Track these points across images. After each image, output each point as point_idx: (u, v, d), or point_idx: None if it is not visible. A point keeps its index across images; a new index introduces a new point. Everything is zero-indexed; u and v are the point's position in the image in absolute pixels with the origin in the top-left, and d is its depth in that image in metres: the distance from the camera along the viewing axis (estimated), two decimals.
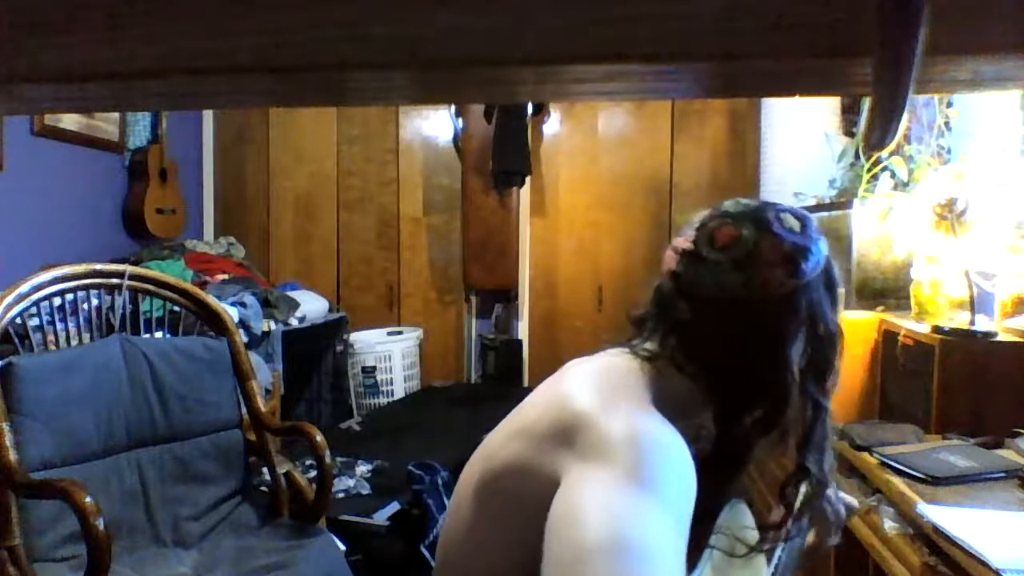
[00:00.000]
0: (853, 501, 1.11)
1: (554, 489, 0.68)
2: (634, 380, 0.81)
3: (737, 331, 0.83)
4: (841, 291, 0.90)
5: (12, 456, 1.54)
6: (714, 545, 0.84)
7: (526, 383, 3.78)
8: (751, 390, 0.84)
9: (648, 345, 0.86)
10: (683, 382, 0.83)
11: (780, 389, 0.82)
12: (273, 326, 3.00)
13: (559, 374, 0.86)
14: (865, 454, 1.51)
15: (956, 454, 1.40)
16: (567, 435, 0.72)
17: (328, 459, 1.87)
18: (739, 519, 0.92)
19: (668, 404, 0.79)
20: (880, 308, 1.96)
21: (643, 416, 0.74)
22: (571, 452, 0.70)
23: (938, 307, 1.77)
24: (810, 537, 1.08)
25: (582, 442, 0.70)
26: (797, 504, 0.89)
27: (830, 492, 1.08)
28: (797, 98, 2.30)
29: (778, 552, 0.97)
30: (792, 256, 0.81)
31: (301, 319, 3.23)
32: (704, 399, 0.84)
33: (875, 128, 0.33)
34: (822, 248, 0.84)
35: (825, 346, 0.85)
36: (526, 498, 0.70)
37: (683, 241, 0.86)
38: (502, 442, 0.82)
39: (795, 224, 0.83)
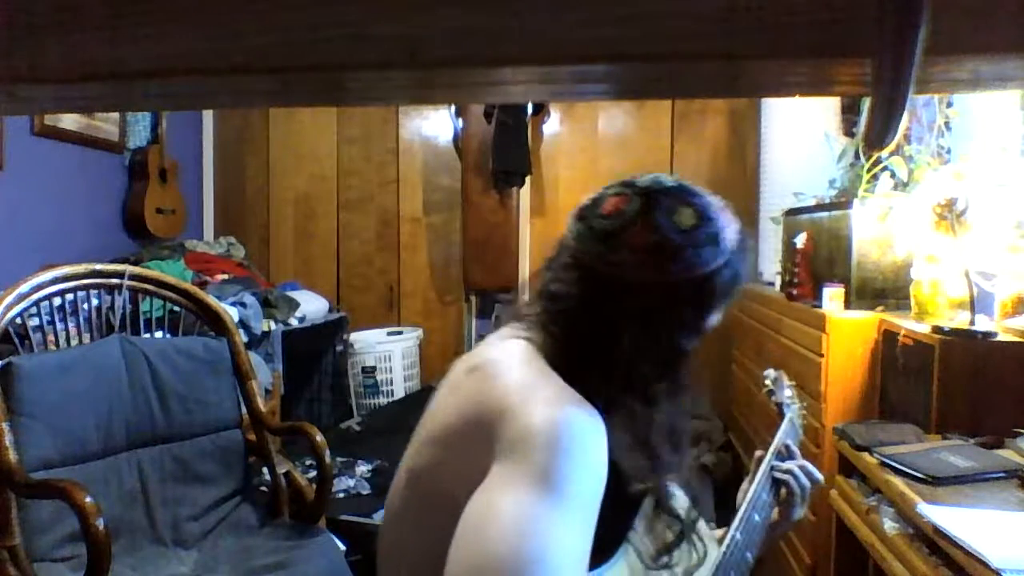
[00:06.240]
0: (818, 475, 1.08)
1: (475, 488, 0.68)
2: (534, 359, 0.79)
3: (582, 299, 0.80)
4: (717, 316, 0.83)
5: (12, 456, 1.54)
6: (630, 541, 0.81)
7: None
8: (590, 365, 0.79)
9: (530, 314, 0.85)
10: (552, 350, 0.81)
11: (615, 372, 0.78)
12: (273, 326, 3.00)
13: (462, 373, 0.84)
14: (865, 454, 1.51)
15: (956, 454, 1.40)
16: (488, 431, 0.71)
17: (328, 459, 1.87)
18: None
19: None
20: (880, 308, 1.96)
21: (560, 402, 0.72)
22: (491, 448, 0.70)
23: (938, 307, 1.76)
24: (775, 514, 1.06)
25: (501, 436, 0.70)
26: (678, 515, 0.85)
27: (794, 465, 1.06)
28: (797, 98, 2.30)
29: (732, 531, 0.95)
30: (657, 250, 0.76)
31: (301, 319, 3.23)
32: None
33: (875, 128, 0.33)
34: (708, 259, 0.77)
35: (655, 356, 0.79)
36: (450, 500, 0.70)
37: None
38: (420, 448, 0.82)
39: (687, 221, 0.77)
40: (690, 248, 0.77)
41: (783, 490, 1.06)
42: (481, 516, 0.65)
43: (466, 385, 0.80)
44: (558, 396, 0.73)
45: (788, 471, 1.06)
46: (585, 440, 0.70)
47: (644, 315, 0.78)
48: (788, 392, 1.33)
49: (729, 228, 0.81)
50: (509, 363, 0.78)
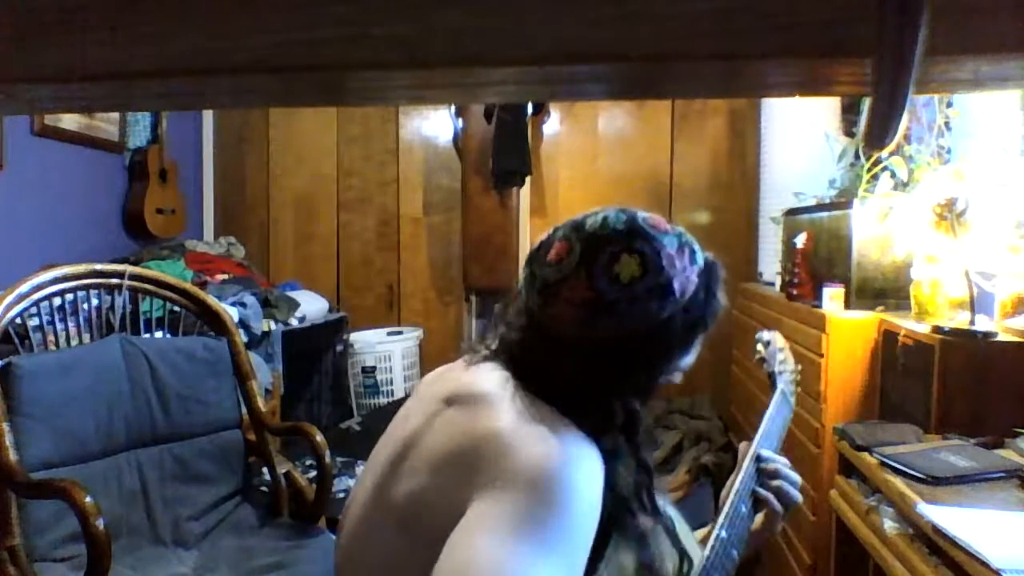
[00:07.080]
0: (796, 493, 1.04)
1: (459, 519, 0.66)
2: (519, 389, 0.77)
3: (527, 346, 0.80)
4: (685, 360, 0.81)
5: (12, 456, 1.54)
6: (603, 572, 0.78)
7: None
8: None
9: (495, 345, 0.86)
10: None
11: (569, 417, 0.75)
12: (273, 326, 2.99)
13: (440, 400, 0.81)
14: (865, 454, 1.51)
15: (956, 454, 1.40)
16: (478, 464, 0.70)
17: (328, 459, 1.87)
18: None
19: None
20: (880, 308, 1.96)
21: (554, 440, 0.70)
22: (481, 482, 0.68)
23: (938, 307, 1.76)
24: (759, 520, 1.03)
25: (492, 471, 0.68)
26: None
27: (781, 474, 1.03)
28: (797, 98, 2.29)
29: (716, 530, 0.92)
30: (590, 305, 0.74)
31: (301, 319, 3.23)
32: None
33: (875, 128, 0.33)
34: (651, 312, 0.73)
35: (601, 408, 0.76)
36: (431, 530, 0.68)
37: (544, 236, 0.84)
38: (395, 470, 0.80)
39: (628, 273, 0.73)
40: (625, 303, 0.73)
41: (774, 483, 1.02)
42: (464, 556, 0.62)
43: (452, 415, 0.78)
44: (552, 433, 0.71)
45: (775, 472, 1.03)
46: (577, 481, 0.68)
47: (584, 367, 0.76)
48: (780, 356, 1.26)
49: (684, 273, 0.76)
50: (500, 395, 0.76)
